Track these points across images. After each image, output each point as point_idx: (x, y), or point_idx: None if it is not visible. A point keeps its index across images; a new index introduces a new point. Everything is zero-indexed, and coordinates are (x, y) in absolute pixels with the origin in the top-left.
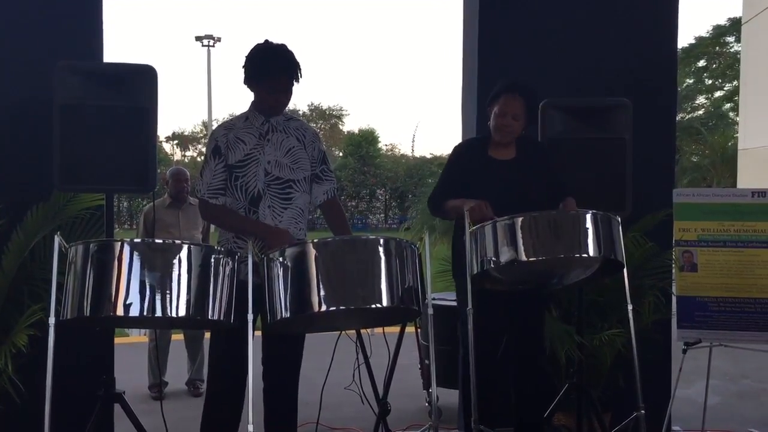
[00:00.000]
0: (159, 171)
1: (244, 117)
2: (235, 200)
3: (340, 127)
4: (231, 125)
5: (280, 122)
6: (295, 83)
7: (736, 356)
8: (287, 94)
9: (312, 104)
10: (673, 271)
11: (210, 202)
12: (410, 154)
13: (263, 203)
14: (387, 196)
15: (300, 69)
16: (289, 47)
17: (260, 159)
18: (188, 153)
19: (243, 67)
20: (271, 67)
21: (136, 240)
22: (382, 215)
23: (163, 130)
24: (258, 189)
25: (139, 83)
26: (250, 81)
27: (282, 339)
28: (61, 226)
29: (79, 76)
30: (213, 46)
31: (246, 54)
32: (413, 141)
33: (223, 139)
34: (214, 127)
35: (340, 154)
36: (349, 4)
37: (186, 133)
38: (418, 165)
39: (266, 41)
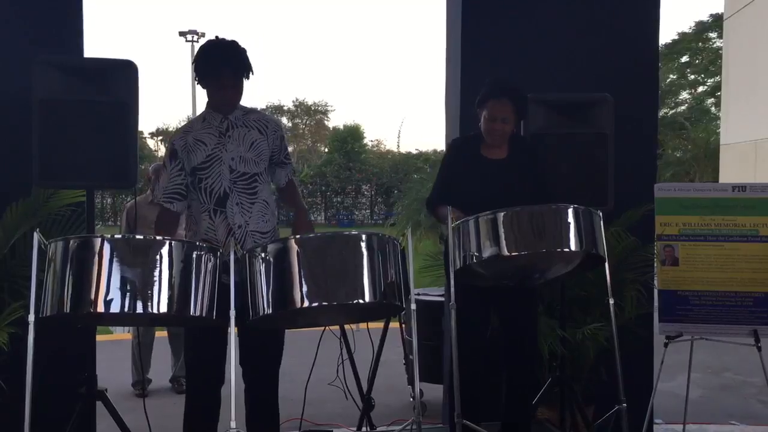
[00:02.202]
0: (143, 167)
1: (202, 118)
2: (199, 203)
3: (326, 122)
4: (188, 128)
5: (239, 117)
6: (244, 79)
7: (717, 349)
8: (235, 90)
9: (297, 100)
10: (655, 265)
11: (164, 206)
12: (396, 150)
13: (230, 201)
14: (373, 192)
15: (250, 66)
16: (240, 43)
17: (223, 157)
18: None
19: (192, 65)
20: (214, 64)
21: (116, 236)
22: (368, 211)
23: (147, 125)
24: (224, 188)
25: (119, 78)
26: (199, 79)
27: (260, 335)
28: (42, 222)
29: (58, 71)
30: (197, 41)
31: (195, 53)
32: (399, 136)
33: (180, 142)
34: None
35: (326, 149)
36: (335, 0)
37: (170, 129)
38: (403, 160)
39: (216, 38)
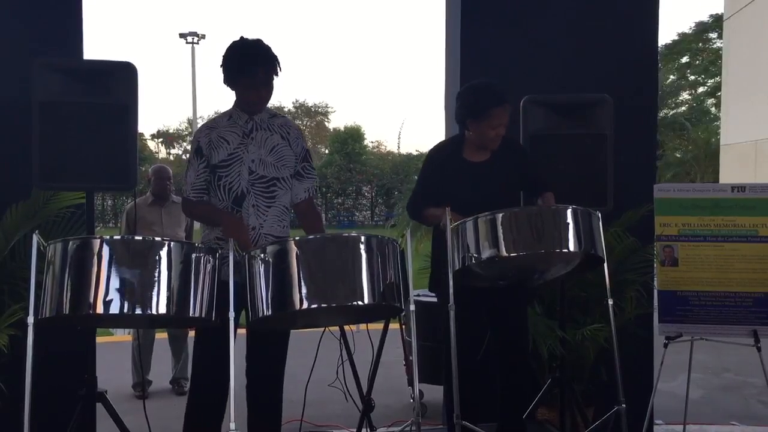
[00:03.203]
0: (143, 169)
1: (228, 115)
2: (218, 200)
3: (326, 124)
4: (214, 124)
5: (264, 119)
6: (275, 77)
7: (718, 350)
8: (267, 89)
9: (297, 101)
10: (655, 265)
11: (193, 201)
12: (396, 151)
13: (247, 202)
14: (373, 193)
15: (278, 62)
16: (265, 41)
17: (244, 158)
18: (173, 151)
19: (221, 66)
20: (247, 63)
21: (115, 237)
22: (369, 212)
23: (148, 127)
24: (242, 188)
25: (119, 80)
26: (229, 80)
27: (265, 335)
28: (42, 224)
29: (58, 74)
30: (197, 43)
31: (223, 54)
32: (399, 138)
33: (205, 139)
34: (199, 125)
35: (326, 151)
36: (335, 2)
37: (171, 131)
38: (404, 162)
39: (241, 38)
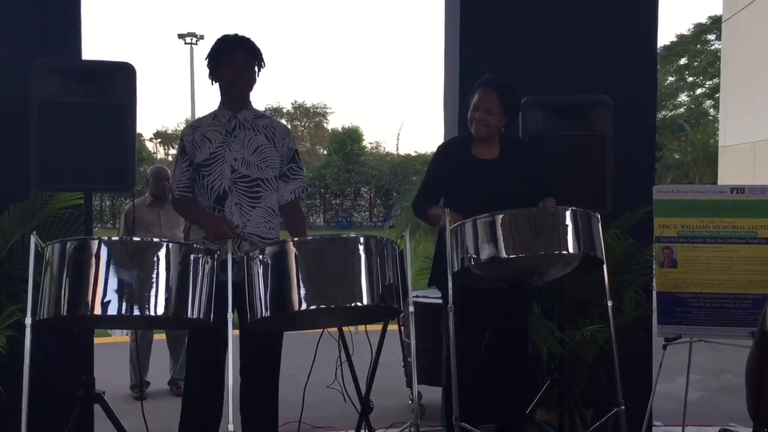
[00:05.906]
0: (141, 169)
1: (213, 115)
2: (202, 199)
3: (325, 125)
4: (198, 123)
5: (249, 119)
6: (258, 66)
7: (716, 351)
8: (249, 72)
9: (296, 102)
10: (654, 267)
11: (177, 198)
12: (395, 152)
13: (230, 201)
14: (372, 194)
15: (261, 55)
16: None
17: (226, 156)
18: (172, 151)
19: (206, 59)
20: (227, 44)
21: (113, 238)
22: (367, 213)
23: (147, 128)
24: (224, 187)
25: (117, 81)
26: (212, 69)
27: (259, 335)
28: (40, 225)
29: (56, 74)
30: (196, 44)
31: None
32: (398, 139)
33: (188, 138)
34: None
35: (325, 152)
36: (334, 3)
37: (169, 132)
38: (402, 163)
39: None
